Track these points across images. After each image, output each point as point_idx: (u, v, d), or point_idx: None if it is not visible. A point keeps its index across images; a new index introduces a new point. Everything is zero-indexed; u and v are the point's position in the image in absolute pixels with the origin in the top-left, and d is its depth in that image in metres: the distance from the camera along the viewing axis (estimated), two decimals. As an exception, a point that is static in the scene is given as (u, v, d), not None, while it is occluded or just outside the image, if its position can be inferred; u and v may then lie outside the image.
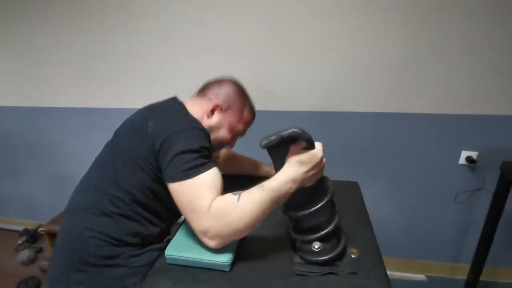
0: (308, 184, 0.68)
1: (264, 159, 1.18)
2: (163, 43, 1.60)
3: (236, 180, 0.92)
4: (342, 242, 0.71)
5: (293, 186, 0.65)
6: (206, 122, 0.83)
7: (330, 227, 0.69)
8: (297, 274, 0.67)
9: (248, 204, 0.64)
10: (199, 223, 0.65)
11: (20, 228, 2.16)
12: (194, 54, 1.58)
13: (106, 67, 1.72)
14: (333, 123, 1.56)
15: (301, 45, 1.46)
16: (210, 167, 0.68)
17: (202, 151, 0.68)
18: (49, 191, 2.15)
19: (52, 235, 1.75)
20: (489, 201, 1.35)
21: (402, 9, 1.33)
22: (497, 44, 1.32)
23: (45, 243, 1.84)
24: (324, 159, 0.68)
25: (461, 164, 1.50)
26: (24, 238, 2.05)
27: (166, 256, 0.72)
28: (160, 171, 0.70)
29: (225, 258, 0.68)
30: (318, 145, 0.67)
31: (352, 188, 1.08)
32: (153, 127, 0.70)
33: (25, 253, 1.89)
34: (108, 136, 1.94)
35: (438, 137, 1.49)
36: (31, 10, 1.68)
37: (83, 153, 1.97)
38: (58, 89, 1.83)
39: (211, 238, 0.66)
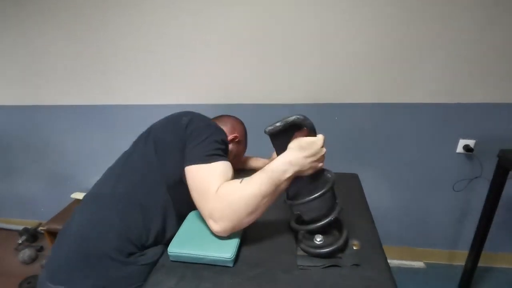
0: (307, 173, 0.70)
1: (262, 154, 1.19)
2: (157, 39, 1.57)
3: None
4: (344, 234, 0.71)
5: (290, 169, 0.67)
6: None
7: (330, 217, 0.69)
8: (300, 268, 0.67)
9: (248, 185, 0.68)
10: (206, 205, 0.70)
11: (20, 227, 2.15)
12: (189, 50, 1.56)
13: (101, 64, 1.69)
14: (331, 115, 1.56)
15: (298, 38, 1.45)
16: (225, 159, 0.76)
17: (223, 145, 0.78)
18: (47, 189, 2.14)
19: (52, 234, 1.74)
20: (487, 188, 1.36)
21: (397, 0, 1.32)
22: (493, 33, 1.31)
23: (46, 242, 1.84)
24: (325, 149, 0.70)
25: (459, 153, 1.52)
26: (24, 237, 2.04)
27: (169, 253, 0.72)
28: (183, 154, 0.77)
29: (228, 254, 0.68)
30: (320, 135, 0.70)
31: (352, 180, 1.09)
32: (187, 120, 0.81)
33: (26, 252, 1.89)
34: (103, 133, 1.93)
35: (435, 126, 1.50)
36: (23, 8, 1.64)
37: (80, 150, 1.95)
38: (53, 87, 1.81)
39: (216, 221, 0.69)
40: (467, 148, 1.48)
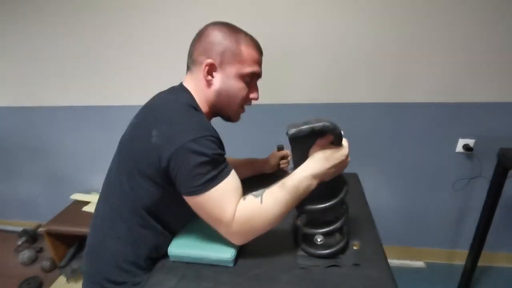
0: (326, 179, 0.66)
1: (257, 151, 1.19)
2: (156, 39, 1.57)
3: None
4: (345, 235, 0.71)
5: (313, 183, 0.64)
6: (211, 92, 0.75)
7: (337, 224, 0.69)
8: (301, 268, 0.67)
9: (271, 205, 0.63)
10: (226, 229, 0.65)
11: (19, 228, 2.15)
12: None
13: (99, 64, 1.69)
14: (331, 115, 1.55)
15: (297, 39, 1.45)
16: (228, 172, 0.65)
17: (217, 158, 0.63)
18: (46, 190, 2.14)
19: (51, 235, 1.74)
20: (486, 188, 1.36)
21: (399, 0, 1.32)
22: (492, 32, 1.31)
23: (45, 243, 1.84)
24: (349, 158, 0.66)
25: (458, 152, 1.52)
26: (23, 239, 2.04)
27: (170, 254, 0.72)
28: (168, 181, 0.66)
29: (228, 254, 0.68)
30: (345, 142, 0.65)
31: (352, 180, 1.09)
32: (157, 137, 0.63)
33: (26, 254, 1.89)
34: (103, 134, 1.93)
35: (435, 125, 1.50)
36: (21, 8, 1.64)
37: (79, 151, 1.95)
38: (52, 88, 1.81)
39: (238, 239, 0.67)
40: (466, 147, 1.48)
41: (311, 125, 0.60)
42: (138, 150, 0.67)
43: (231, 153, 0.88)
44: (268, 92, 1.56)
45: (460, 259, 1.68)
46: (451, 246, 1.74)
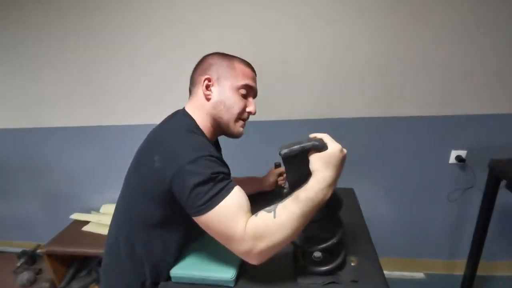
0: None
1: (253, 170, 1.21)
2: (156, 59, 1.61)
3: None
4: (343, 251, 0.73)
5: (329, 192, 0.64)
6: (210, 105, 0.80)
7: (334, 239, 0.71)
8: (300, 287, 0.69)
9: (286, 220, 0.61)
10: (239, 247, 0.63)
11: (18, 250, 2.13)
12: (187, 70, 1.59)
13: (99, 85, 1.72)
14: (324, 130, 1.58)
15: (291, 56, 1.49)
16: (230, 189, 0.65)
17: (216, 177, 0.64)
18: (46, 210, 2.13)
19: (51, 256, 1.73)
20: (480, 197, 1.39)
21: (390, 15, 1.37)
22: (481, 45, 1.36)
23: (44, 264, 1.83)
24: (345, 150, 0.66)
25: (452, 164, 1.55)
26: (22, 260, 2.02)
27: (171, 275, 0.73)
28: (175, 201, 0.67)
29: (229, 275, 0.70)
30: (333, 145, 0.65)
31: (348, 195, 1.11)
32: (158, 162, 0.67)
33: (25, 275, 1.87)
34: (102, 153, 1.93)
35: (428, 138, 1.53)
36: (23, 30, 1.68)
37: (78, 171, 1.96)
38: (50, 109, 1.83)
39: (254, 257, 0.64)
40: (459, 158, 1.52)
41: (301, 145, 0.65)
42: (143, 175, 0.72)
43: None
44: (263, 109, 1.60)
45: (459, 269, 1.69)
46: (450, 256, 1.75)
